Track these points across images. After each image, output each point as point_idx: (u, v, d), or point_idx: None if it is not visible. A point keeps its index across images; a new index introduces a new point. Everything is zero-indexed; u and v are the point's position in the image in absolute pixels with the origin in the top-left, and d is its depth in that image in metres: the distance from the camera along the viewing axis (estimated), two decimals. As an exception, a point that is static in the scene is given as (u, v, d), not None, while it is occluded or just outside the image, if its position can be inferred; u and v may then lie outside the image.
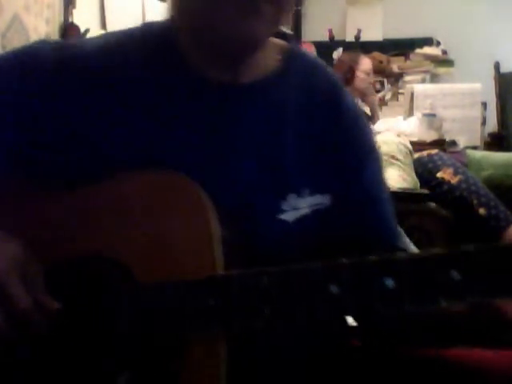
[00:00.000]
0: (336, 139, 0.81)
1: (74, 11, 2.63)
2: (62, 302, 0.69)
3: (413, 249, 1.48)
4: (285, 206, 0.76)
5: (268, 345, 0.68)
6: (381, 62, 4.69)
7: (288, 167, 0.78)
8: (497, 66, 4.08)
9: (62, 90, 0.76)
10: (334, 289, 0.59)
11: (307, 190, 0.78)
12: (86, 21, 2.69)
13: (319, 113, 0.81)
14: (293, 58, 0.83)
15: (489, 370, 0.79)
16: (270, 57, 0.81)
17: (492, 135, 4.00)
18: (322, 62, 0.88)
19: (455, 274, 0.55)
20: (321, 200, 0.79)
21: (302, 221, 0.77)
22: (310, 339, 0.75)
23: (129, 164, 0.73)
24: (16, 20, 2.24)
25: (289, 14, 0.75)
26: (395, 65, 4.81)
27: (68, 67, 0.77)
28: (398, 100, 4.60)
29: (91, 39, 0.82)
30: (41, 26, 2.41)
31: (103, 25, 2.90)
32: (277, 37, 0.84)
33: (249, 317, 0.61)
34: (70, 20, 2.60)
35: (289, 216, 0.76)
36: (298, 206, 0.77)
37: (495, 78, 4.03)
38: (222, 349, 0.63)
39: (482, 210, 2.39)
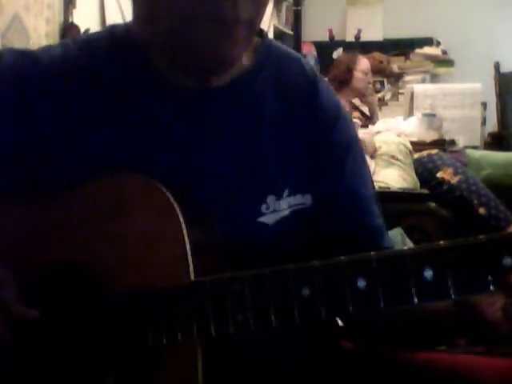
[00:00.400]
0: (314, 135, 0.79)
1: (74, 11, 2.63)
2: (39, 309, 0.68)
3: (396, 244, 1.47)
4: (264, 209, 0.75)
5: (244, 348, 0.68)
6: (381, 61, 4.69)
7: (267, 168, 0.76)
8: (497, 66, 4.08)
9: (22, 99, 0.75)
10: (305, 292, 0.59)
11: (287, 191, 0.77)
12: (86, 21, 2.68)
13: (296, 109, 0.79)
14: (265, 54, 0.81)
15: (479, 376, 0.79)
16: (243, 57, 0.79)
17: (492, 135, 4.00)
18: (296, 54, 0.85)
19: (428, 272, 0.55)
20: (301, 200, 0.78)
21: (282, 222, 0.76)
22: (287, 342, 0.75)
23: (94, 169, 0.72)
24: (16, 20, 2.24)
25: (259, 26, 0.74)
26: (395, 65, 4.81)
27: (26, 75, 0.75)
28: (398, 100, 4.60)
29: (50, 47, 0.80)
30: (41, 26, 2.41)
31: (103, 25, 2.90)
32: None
33: (222, 323, 0.61)
34: (70, 20, 2.60)
35: (268, 219, 0.75)
36: (278, 208, 0.76)
37: (495, 78, 4.03)
38: (199, 354, 0.63)
39: (482, 210, 2.39)
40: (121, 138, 0.74)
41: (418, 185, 2.56)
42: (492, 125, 4.11)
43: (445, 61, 4.79)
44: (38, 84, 0.75)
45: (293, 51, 0.87)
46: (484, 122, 3.92)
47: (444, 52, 4.82)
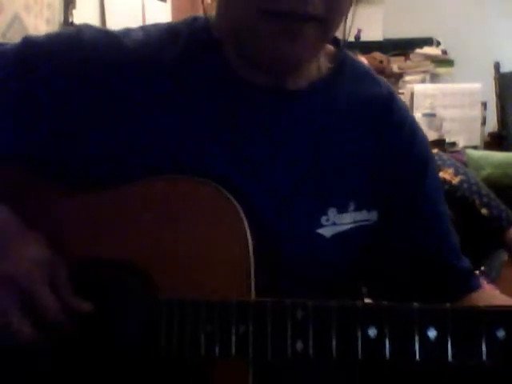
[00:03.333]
0: (386, 153, 0.77)
1: (74, 11, 2.63)
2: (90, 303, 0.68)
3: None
4: (324, 221, 0.73)
5: (297, 374, 0.67)
6: (381, 61, 4.68)
7: (332, 180, 0.74)
8: (497, 66, 4.07)
9: (99, 81, 0.73)
10: (372, 332, 0.57)
11: (353, 205, 0.75)
12: (86, 21, 2.68)
13: (370, 123, 0.77)
14: (344, 66, 0.79)
15: None
16: (319, 63, 0.78)
17: (492, 135, 4.00)
18: (371, 70, 0.84)
19: (501, 333, 0.54)
20: (367, 216, 0.76)
21: (340, 236, 0.74)
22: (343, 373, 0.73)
23: (159, 167, 0.70)
24: (16, 20, 2.24)
25: (337, 26, 0.72)
26: (395, 65, 4.81)
27: (110, 59, 0.74)
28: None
29: (134, 31, 0.78)
30: (41, 26, 2.41)
31: (103, 25, 2.90)
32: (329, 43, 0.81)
33: (279, 350, 0.60)
34: (70, 20, 2.60)
35: (327, 231, 0.73)
36: (339, 222, 0.74)
37: (495, 78, 4.02)
38: (249, 375, 0.62)
39: (484, 211, 2.38)
40: (189, 133, 0.72)
41: (418, 185, 2.55)
42: (492, 125, 4.10)
43: (445, 61, 4.78)
44: (119, 67, 0.73)
45: (366, 66, 0.86)
46: (484, 122, 3.92)
47: (444, 52, 4.82)
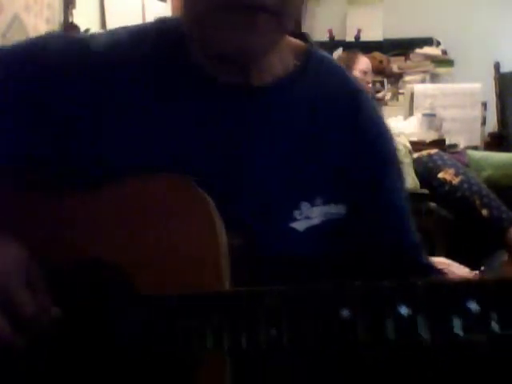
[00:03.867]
0: (353, 148, 0.78)
1: (74, 11, 2.63)
2: (63, 307, 0.68)
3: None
4: (297, 215, 0.74)
5: (274, 361, 0.67)
6: (381, 61, 4.69)
7: (303, 175, 0.75)
8: (497, 66, 4.08)
9: (68, 84, 0.74)
10: (345, 313, 0.57)
11: (321, 199, 0.76)
12: (86, 21, 2.68)
13: (337, 119, 0.78)
14: (310, 61, 0.80)
15: None
16: (285, 58, 0.78)
17: (492, 135, 4.00)
18: (341, 66, 0.85)
19: (473, 305, 0.53)
20: (335, 210, 0.76)
21: (312, 230, 0.75)
22: (319, 358, 0.73)
23: (134, 166, 0.71)
24: (16, 20, 2.24)
25: (292, 18, 0.71)
26: (395, 65, 4.81)
27: (76, 62, 0.75)
28: (398, 100, 4.60)
29: (101, 35, 0.79)
30: (41, 26, 2.41)
31: (103, 25, 2.90)
32: (295, 37, 0.82)
33: (253, 338, 0.60)
34: (70, 20, 2.60)
35: (300, 225, 0.74)
36: (311, 215, 0.75)
37: (495, 78, 4.03)
38: (227, 365, 0.62)
39: (484, 211, 2.38)
40: (159, 134, 0.73)
41: (418, 185, 2.55)
42: (492, 125, 4.11)
43: (445, 61, 4.78)
44: (89, 72, 0.74)
45: (336, 62, 0.86)
46: (484, 122, 3.92)
47: (444, 52, 4.82)
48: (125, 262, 0.67)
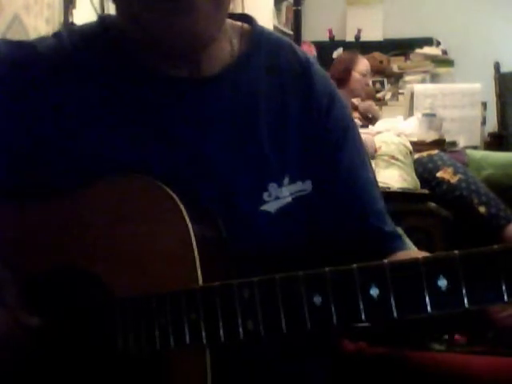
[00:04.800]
0: (309, 121, 0.78)
1: (74, 11, 2.63)
2: (39, 315, 0.68)
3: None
4: (266, 197, 0.74)
5: (253, 351, 0.67)
6: (381, 61, 4.69)
7: (266, 156, 0.75)
8: (497, 66, 4.08)
9: (11, 91, 0.74)
10: (317, 299, 0.58)
11: (287, 178, 0.75)
12: (86, 21, 2.68)
13: (290, 95, 0.78)
14: (255, 41, 0.80)
15: (477, 376, 0.78)
16: (229, 42, 0.78)
17: (492, 135, 4.00)
18: (288, 40, 0.84)
19: (442, 281, 0.54)
20: (302, 187, 0.76)
21: (284, 210, 0.75)
22: (298, 347, 0.74)
23: (92, 167, 0.71)
24: (16, 20, 2.24)
25: (229, 2, 0.71)
26: (395, 65, 4.82)
27: (19, 67, 0.74)
28: (398, 100, 4.60)
29: (48, 38, 0.79)
30: (41, 26, 2.41)
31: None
32: (240, 20, 0.81)
33: (231, 331, 0.60)
34: (70, 20, 2.60)
35: (271, 206, 0.74)
36: (280, 196, 0.75)
37: (495, 78, 4.03)
38: (207, 359, 0.62)
39: (481, 209, 2.39)
40: (114, 135, 0.73)
41: (418, 185, 2.55)
42: (492, 125, 4.11)
43: (445, 61, 4.79)
44: (37, 75, 0.74)
45: (284, 38, 0.85)
46: (484, 122, 3.92)
47: (444, 52, 4.83)
48: (98, 266, 0.67)
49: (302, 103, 0.78)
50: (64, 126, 0.73)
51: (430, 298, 0.54)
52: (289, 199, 0.75)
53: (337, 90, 0.84)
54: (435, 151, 2.69)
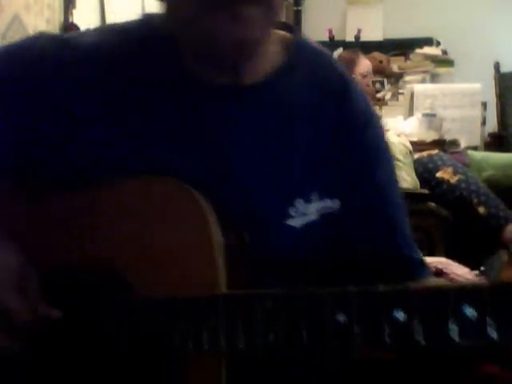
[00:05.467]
0: (344, 139, 0.77)
1: (74, 11, 2.62)
2: (60, 310, 0.68)
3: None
4: (292, 212, 0.74)
5: (271, 363, 0.67)
6: (381, 61, 4.69)
7: (296, 171, 0.75)
8: (497, 66, 4.08)
9: (57, 86, 0.74)
10: (341, 318, 0.57)
11: (316, 195, 0.75)
12: (86, 21, 2.68)
13: (328, 111, 0.77)
14: (298, 53, 0.79)
15: None
16: (273, 52, 0.78)
17: (492, 135, 4.00)
18: (327, 53, 0.84)
19: (468, 310, 0.53)
20: (330, 204, 0.76)
21: (309, 226, 0.74)
22: (317, 360, 0.73)
23: (124, 167, 0.71)
24: (16, 20, 2.24)
25: (280, 9, 0.71)
26: (395, 65, 4.81)
27: (65, 64, 0.74)
28: (398, 100, 4.60)
29: (88, 33, 0.79)
30: (41, 26, 2.41)
31: (103, 25, 2.90)
32: (280, 28, 0.81)
33: (251, 340, 0.60)
34: (70, 20, 2.59)
35: (296, 222, 0.74)
36: (306, 212, 0.74)
37: (495, 78, 4.03)
38: (223, 366, 0.62)
39: (481, 209, 2.39)
40: (147, 135, 0.73)
41: (418, 185, 2.56)
42: (492, 125, 4.11)
43: (445, 61, 4.78)
44: (75, 71, 0.74)
45: (324, 50, 0.85)
46: (484, 122, 3.92)
47: (444, 52, 4.82)
48: (122, 265, 0.67)
49: (337, 120, 0.77)
50: (96, 120, 0.73)
51: (456, 327, 0.54)
52: (315, 216, 0.75)
53: (374, 109, 0.84)
54: (435, 151, 2.69)
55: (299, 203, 0.74)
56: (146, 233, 0.67)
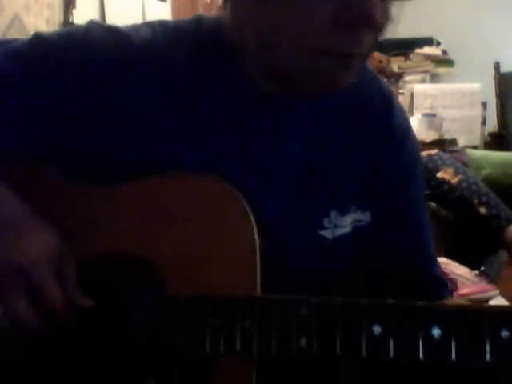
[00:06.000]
0: (383, 154, 0.78)
1: (74, 11, 2.63)
2: (92, 299, 0.68)
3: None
4: (326, 223, 0.74)
5: (301, 371, 0.67)
6: (381, 61, 4.69)
7: (333, 182, 0.75)
8: (497, 66, 4.08)
9: (107, 78, 0.72)
10: (376, 330, 0.57)
11: (350, 207, 0.76)
12: (86, 21, 2.69)
13: (368, 126, 0.78)
14: None
15: None
16: None
17: (492, 135, 4.00)
18: (371, 70, 0.85)
19: (504, 333, 0.54)
20: (362, 217, 0.77)
21: (342, 238, 0.75)
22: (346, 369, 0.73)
23: (168, 167, 0.71)
24: (16, 20, 2.24)
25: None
26: (395, 65, 4.81)
27: (123, 59, 0.73)
28: (398, 100, 4.59)
29: (140, 29, 0.76)
30: (41, 26, 2.41)
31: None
32: None
33: (283, 345, 0.60)
34: (70, 20, 2.60)
35: (329, 233, 0.75)
36: (340, 224, 0.75)
37: (495, 78, 4.03)
38: (253, 368, 0.62)
39: (482, 210, 2.38)
40: (190, 137, 0.72)
41: (418, 185, 2.55)
42: (492, 125, 4.11)
43: (445, 61, 4.78)
44: (126, 66, 0.73)
45: (369, 68, 0.86)
46: (484, 122, 3.92)
47: (444, 52, 4.82)
48: (157, 260, 0.67)
49: (377, 135, 0.79)
50: (142, 120, 0.72)
51: (490, 347, 0.54)
52: (348, 229, 0.76)
53: (410, 125, 0.86)
54: (435, 151, 2.69)
55: (334, 215, 0.75)
56: (185, 230, 0.67)
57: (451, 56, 4.78)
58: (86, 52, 0.73)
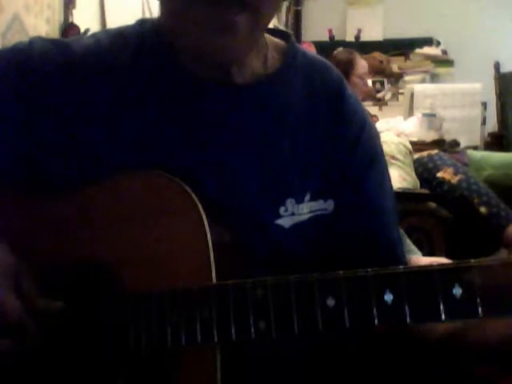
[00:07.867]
0: (338, 143, 0.78)
1: (74, 11, 2.62)
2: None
3: (414, 250, 1.44)
4: (282, 211, 0.75)
5: (262, 350, 0.67)
6: (381, 61, 4.69)
7: (288, 171, 0.76)
8: (497, 66, 4.08)
9: (53, 89, 0.74)
10: (330, 302, 0.58)
11: (308, 195, 0.76)
12: (86, 21, 2.68)
13: (321, 115, 0.78)
14: (289, 58, 0.80)
15: None
16: (264, 56, 0.79)
17: (492, 135, 4.01)
18: (323, 60, 0.85)
19: (457, 290, 0.54)
20: (323, 206, 0.77)
21: (299, 226, 0.75)
22: (306, 346, 0.74)
23: (119, 165, 0.72)
24: (16, 20, 2.24)
25: (272, 15, 0.71)
26: (395, 65, 4.82)
27: (64, 65, 0.75)
28: (398, 100, 4.60)
29: (83, 38, 0.80)
30: (41, 26, 2.41)
31: (103, 25, 2.90)
32: (278, 36, 0.82)
33: (244, 328, 0.60)
34: (70, 20, 2.59)
35: (286, 221, 0.75)
36: (296, 212, 0.75)
37: (495, 78, 4.03)
38: (216, 356, 0.62)
39: (482, 209, 2.39)
40: (142, 134, 0.74)
41: (418, 185, 2.56)
42: (492, 125, 4.11)
43: (445, 61, 4.79)
44: (69, 73, 0.75)
45: (319, 57, 0.86)
46: (484, 122, 3.93)
47: (444, 52, 4.83)
48: (113, 261, 0.68)
49: (331, 125, 0.79)
50: (92, 122, 0.74)
51: (444, 306, 0.55)
52: (305, 217, 0.76)
53: (367, 113, 0.85)
54: (435, 151, 2.69)
55: (290, 203, 0.75)
56: (136, 226, 0.68)
57: (451, 56, 4.78)
58: (29, 59, 0.75)
